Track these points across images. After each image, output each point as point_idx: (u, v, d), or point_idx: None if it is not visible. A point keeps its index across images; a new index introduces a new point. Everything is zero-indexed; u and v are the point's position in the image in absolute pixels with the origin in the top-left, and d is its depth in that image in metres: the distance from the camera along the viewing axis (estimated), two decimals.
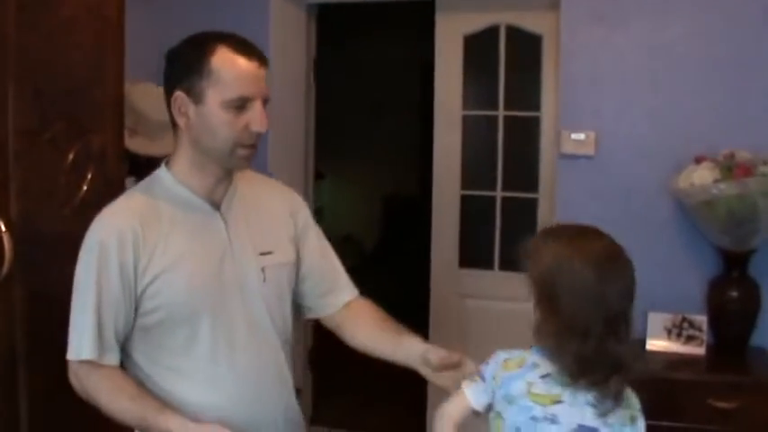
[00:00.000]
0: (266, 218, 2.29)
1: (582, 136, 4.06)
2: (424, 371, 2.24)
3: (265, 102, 2.13)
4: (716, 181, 3.60)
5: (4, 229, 2.53)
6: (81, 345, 2.09)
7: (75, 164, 2.86)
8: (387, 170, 7.62)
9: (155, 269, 2.09)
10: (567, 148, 4.10)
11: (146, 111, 3.71)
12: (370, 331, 2.36)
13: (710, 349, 3.84)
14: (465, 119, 4.76)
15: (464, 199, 4.80)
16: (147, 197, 2.18)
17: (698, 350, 3.82)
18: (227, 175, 2.22)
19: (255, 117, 2.10)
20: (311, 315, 2.45)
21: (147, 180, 2.25)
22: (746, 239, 3.69)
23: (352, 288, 2.45)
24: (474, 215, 4.82)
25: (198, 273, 2.13)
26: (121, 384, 2.09)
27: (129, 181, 3.60)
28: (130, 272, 2.08)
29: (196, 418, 2.01)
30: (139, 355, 2.16)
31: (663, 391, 3.59)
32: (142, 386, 2.12)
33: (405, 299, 5.04)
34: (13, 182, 2.59)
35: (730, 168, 3.60)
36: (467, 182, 4.79)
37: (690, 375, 3.65)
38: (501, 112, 4.65)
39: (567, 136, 4.09)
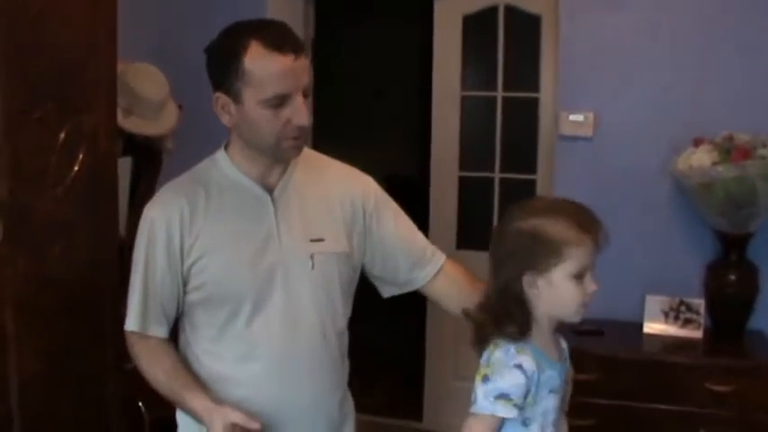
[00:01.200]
0: (322, 204, 2.26)
1: (580, 117, 4.03)
2: None
3: (306, 90, 2.10)
4: (714, 163, 3.57)
5: None
6: (129, 316, 2.19)
7: (67, 144, 2.83)
8: (386, 152, 7.58)
9: (200, 248, 2.14)
10: (566, 130, 4.08)
11: (141, 91, 3.68)
12: (464, 303, 2.25)
13: (708, 333, 3.83)
14: (464, 100, 4.73)
15: (462, 180, 4.78)
16: (201, 177, 2.22)
17: (695, 333, 3.81)
18: (280, 162, 2.22)
19: (296, 111, 2.08)
20: (404, 290, 2.41)
21: (206, 160, 2.27)
22: (745, 222, 3.67)
23: (439, 255, 2.40)
24: (472, 196, 4.80)
25: (238, 256, 2.15)
26: (160, 357, 2.18)
27: (124, 161, 3.59)
28: (177, 249, 2.15)
29: (220, 400, 2.07)
30: (187, 328, 2.23)
31: (660, 374, 3.60)
32: (182, 361, 2.19)
33: None
34: (2, 161, 2.57)
35: (729, 151, 3.57)
36: (465, 163, 4.77)
37: (687, 359, 3.65)
38: (500, 93, 4.63)
39: (565, 117, 4.07)
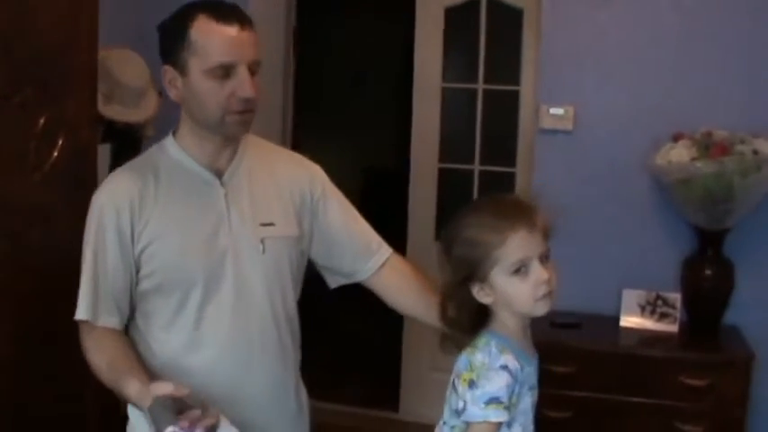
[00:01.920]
0: (271, 189, 2.26)
1: (561, 111, 4.04)
2: None
3: (253, 65, 2.10)
4: (693, 159, 3.59)
5: None
6: (80, 305, 2.15)
7: (46, 130, 2.82)
8: (366, 143, 7.59)
9: (150, 234, 2.12)
10: (546, 123, 4.09)
11: (122, 77, 3.66)
12: (414, 303, 2.34)
13: (684, 327, 3.85)
14: (444, 91, 4.74)
15: (442, 172, 4.79)
16: (149, 164, 2.20)
17: (671, 328, 3.84)
18: (229, 144, 2.21)
19: (240, 83, 2.07)
20: (349, 281, 2.42)
21: (154, 147, 2.26)
22: (722, 218, 3.70)
23: (386, 248, 2.41)
24: (452, 189, 4.81)
25: (190, 240, 2.14)
26: (106, 347, 2.12)
27: (103, 148, 3.57)
28: (127, 236, 2.12)
29: (152, 380, 1.98)
30: (139, 316, 2.19)
31: (635, 367, 3.63)
32: (128, 351, 2.13)
33: None
34: None
35: (707, 147, 3.60)
36: (445, 155, 4.78)
37: (662, 352, 3.68)
38: (480, 86, 4.64)
39: (545, 110, 4.07)
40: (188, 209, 2.16)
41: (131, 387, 1.97)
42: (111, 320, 2.15)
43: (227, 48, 2.05)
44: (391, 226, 5.13)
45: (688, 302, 3.86)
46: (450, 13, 4.66)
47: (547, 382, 3.57)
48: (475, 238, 1.90)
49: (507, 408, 1.86)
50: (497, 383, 1.86)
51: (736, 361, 3.59)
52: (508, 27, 4.54)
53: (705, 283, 3.82)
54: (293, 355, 2.33)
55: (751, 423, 3.62)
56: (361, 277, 2.39)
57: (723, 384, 3.52)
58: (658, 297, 3.88)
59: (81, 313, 2.14)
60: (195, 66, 2.07)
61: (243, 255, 2.18)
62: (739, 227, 3.75)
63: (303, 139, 6.12)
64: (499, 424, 1.87)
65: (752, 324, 3.85)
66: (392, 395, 5.00)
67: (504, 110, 4.59)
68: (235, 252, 2.17)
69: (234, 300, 2.16)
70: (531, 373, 1.96)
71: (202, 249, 2.14)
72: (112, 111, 3.62)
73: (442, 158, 4.78)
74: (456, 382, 1.93)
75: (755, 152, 3.56)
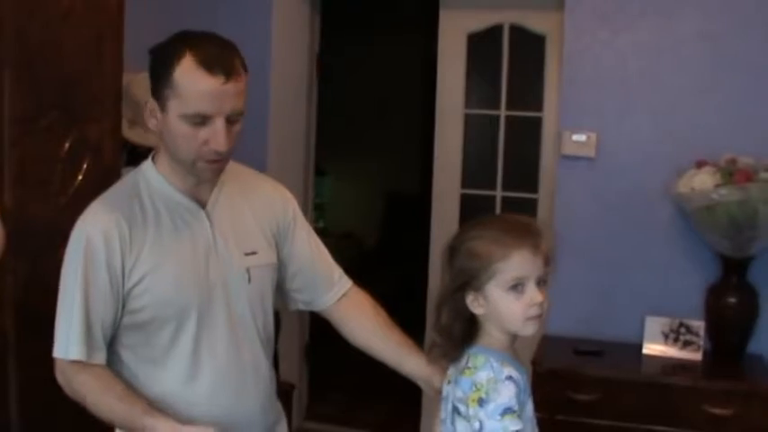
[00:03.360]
0: (250, 217, 2.26)
1: (583, 137, 4.04)
2: (427, 390, 2.26)
3: (233, 116, 2.03)
4: (717, 186, 3.58)
5: None
6: (69, 344, 2.05)
7: (71, 153, 2.85)
8: (389, 168, 7.60)
9: (142, 268, 2.07)
10: (568, 150, 4.08)
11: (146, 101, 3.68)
12: (370, 335, 2.35)
13: (707, 355, 3.82)
14: (467, 117, 4.75)
15: (464, 198, 4.79)
16: (132, 193, 2.14)
17: (695, 356, 3.81)
18: (199, 181, 2.17)
19: (214, 135, 2.01)
20: (308, 308, 2.44)
21: (132, 174, 2.20)
22: (746, 246, 3.67)
23: (346, 280, 2.42)
24: (474, 214, 4.76)
25: (184, 272, 2.10)
26: (110, 383, 2.06)
27: (126, 170, 3.59)
28: (118, 271, 2.05)
29: (183, 420, 1.99)
30: (124, 350, 2.13)
31: (658, 395, 3.59)
32: (129, 385, 2.08)
33: (404, 297, 5.03)
34: (7, 169, 2.58)
35: (731, 173, 3.58)
36: (467, 181, 4.78)
37: (686, 381, 3.64)
38: (503, 112, 4.64)
39: (567, 137, 4.07)
40: (178, 239, 2.12)
41: (164, 424, 1.95)
42: (100, 357, 2.08)
43: (207, 99, 1.99)
44: (414, 251, 5.15)
45: (712, 330, 3.84)
46: (473, 39, 4.68)
47: (569, 410, 3.62)
48: (479, 248, 1.94)
49: (520, 416, 1.91)
50: (507, 394, 1.90)
51: (760, 390, 3.55)
52: (531, 53, 4.55)
53: (729, 310, 3.80)
54: (273, 372, 2.34)
55: None
56: (318, 307, 2.41)
57: (747, 414, 3.48)
58: (682, 325, 3.85)
59: (73, 353, 2.05)
60: (174, 107, 2.00)
61: (231, 284, 2.17)
62: (763, 254, 3.73)
63: (326, 164, 6.15)
64: None
65: None
66: (413, 420, 4.98)
67: (527, 136, 4.59)
68: (224, 283, 2.16)
69: (227, 328, 2.16)
70: (526, 381, 2.00)
71: (196, 281, 2.11)
72: (136, 135, 3.64)
73: (464, 184, 4.78)
74: (461, 408, 1.96)
75: None
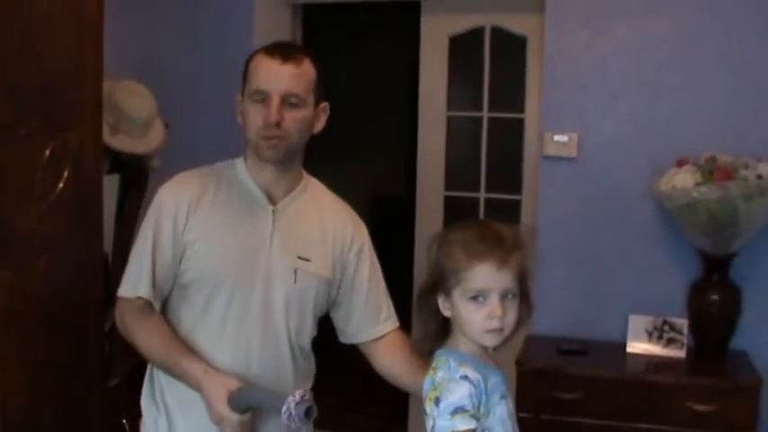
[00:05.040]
0: (317, 231, 2.41)
1: (565, 138, 4.06)
2: None
3: (287, 96, 2.28)
4: (697, 184, 3.59)
5: None
6: (138, 283, 2.32)
7: (52, 160, 2.84)
8: (374, 171, 7.59)
9: (195, 235, 2.31)
10: (550, 150, 4.10)
11: (128, 109, 3.69)
12: (398, 372, 2.44)
13: (691, 352, 3.84)
14: (450, 120, 4.76)
15: (448, 200, 4.80)
16: (214, 175, 2.40)
17: (678, 353, 3.83)
18: (282, 173, 2.39)
19: (269, 110, 2.26)
20: (350, 341, 2.53)
21: (225, 162, 2.45)
22: (728, 243, 3.69)
23: (390, 324, 2.51)
24: (458, 216, 4.80)
25: (229, 253, 2.31)
26: (157, 326, 2.30)
27: (110, 178, 3.59)
28: (180, 230, 2.31)
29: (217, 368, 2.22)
30: (167, 312, 2.37)
31: (642, 393, 3.61)
32: (175, 331, 2.32)
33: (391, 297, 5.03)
34: None
35: (711, 172, 3.60)
36: (451, 183, 4.79)
37: (669, 378, 3.65)
38: (485, 114, 4.65)
39: (549, 138, 4.09)
40: (236, 223, 2.34)
41: (196, 365, 2.21)
42: (158, 303, 2.34)
43: (264, 77, 2.28)
44: (398, 253, 5.16)
45: (695, 328, 3.86)
46: (455, 42, 4.69)
47: (554, 409, 3.63)
48: (450, 252, 1.97)
49: (475, 416, 1.91)
50: (460, 393, 1.91)
51: (744, 386, 3.57)
52: (512, 55, 4.56)
53: (712, 307, 3.81)
54: (302, 384, 2.39)
55: None
56: (357, 340, 2.51)
57: (731, 410, 3.50)
58: (665, 323, 3.87)
59: (140, 291, 2.31)
60: (247, 91, 2.31)
61: (275, 278, 2.33)
62: (745, 251, 3.75)
63: (309, 166, 6.13)
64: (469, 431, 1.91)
65: (760, 349, 3.84)
66: (401, 422, 4.99)
67: (509, 137, 4.60)
68: (267, 273, 2.33)
69: (258, 317, 2.32)
70: (497, 382, 2.00)
71: (236, 263, 2.31)
72: (119, 142, 3.64)
73: (447, 186, 4.79)
74: (426, 406, 1.97)
75: (759, 177, 3.56)
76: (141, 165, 3.81)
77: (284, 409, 2.03)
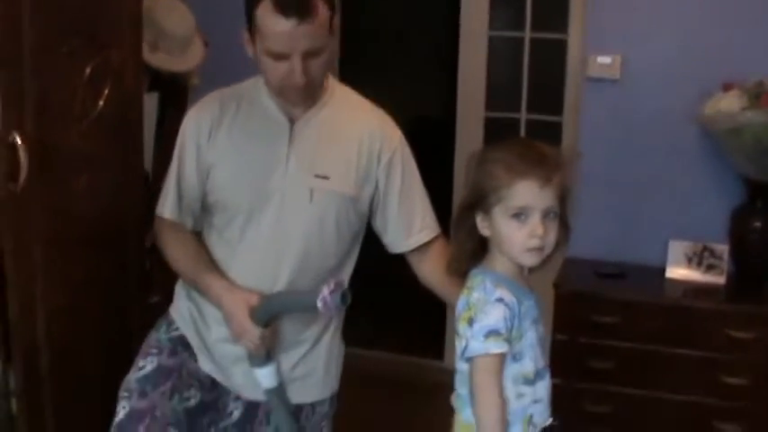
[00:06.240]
0: (339, 145, 2.37)
1: (608, 59, 3.99)
2: None
3: (309, 52, 2.20)
4: (743, 109, 3.54)
5: (20, 142, 2.52)
6: (164, 205, 2.46)
7: (93, 79, 2.83)
8: (413, 93, 7.52)
9: (214, 156, 2.37)
10: (593, 72, 4.04)
11: (167, 26, 3.66)
12: (433, 282, 2.43)
13: (730, 279, 3.82)
14: (491, 40, 4.69)
15: (488, 121, 4.76)
16: (236, 95, 2.43)
17: (718, 279, 3.81)
18: (306, 97, 2.34)
19: (291, 72, 2.21)
20: (391, 251, 2.52)
21: (249, 81, 2.45)
22: None
23: (428, 233, 2.47)
24: (498, 137, 4.75)
25: (243, 172, 2.35)
26: (186, 243, 2.44)
27: (150, 96, 3.59)
28: (203, 152, 2.38)
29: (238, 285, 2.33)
30: (203, 229, 2.48)
31: (681, 319, 3.61)
32: (205, 250, 2.44)
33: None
34: (29, 96, 2.57)
35: (758, 96, 3.53)
36: (491, 104, 4.75)
37: (708, 304, 3.66)
38: (527, 35, 4.58)
39: (593, 60, 4.02)
40: (251, 144, 2.36)
41: (218, 281, 2.33)
42: (189, 221, 2.46)
43: (281, 40, 2.17)
44: (439, 174, 5.16)
45: (735, 254, 3.83)
46: None
47: (591, 332, 3.65)
48: (491, 170, 1.96)
49: (507, 340, 1.91)
50: (495, 316, 1.92)
51: None
52: None
53: (753, 234, 3.78)
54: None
55: None
56: (395, 250, 2.50)
57: None
58: (705, 248, 3.85)
59: (166, 211, 2.45)
60: (259, 42, 2.23)
61: (290, 200, 2.32)
62: None
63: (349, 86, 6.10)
64: (501, 355, 1.92)
65: None
66: (437, 343, 5.03)
67: (552, 59, 4.53)
68: (282, 195, 2.32)
69: (269, 237, 2.34)
70: (531, 306, 2.01)
71: (251, 184, 2.33)
72: (158, 60, 3.62)
73: (488, 107, 4.74)
74: (458, 327, 1.97)
75: None
76: (181, 83, 3.80)
77: (319, 299, 2.10)
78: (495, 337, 1.90)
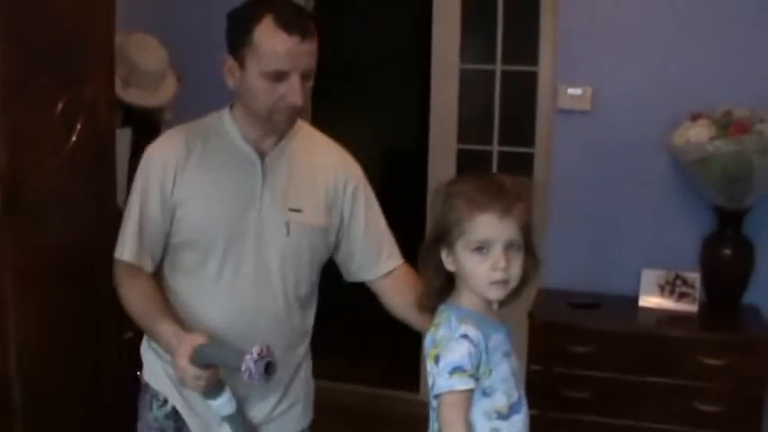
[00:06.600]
0: (308, 178, 2.38)
1: (579, 91, 4.03)
2: None
3: (307, 74, 2.23)
4: (712, 138, 3.57)
5: None
6: (123, 248, 2.33)
7: (65, 114, 2.84)
8: (386, 124, 7.57)
9: (184, 194, 2.29)
10: (564, 103, 4.07)
11: (140, 62, 3.68)
12: (404, 309, 2.40)
13: (703, 306, 3.85)
14: (462, 73, 4.72)
15: (460, 153, 4.78)
16: (202, 131, 2.36)
17: (690, 307, 3.83)
18: (273, 132, 2.33)
19: (291, 90, 2.20)
20: (356, 279, 2.52)
21: (212, 115, 2.41)
22: (741, 197, 3.68)
23: (395, 260, 2.50)
24: (470, 169, 4.79)
25: (218, 210, 2.29)
26: (143, 287, 2.30)
27: (122, 132, 3.59)
28: (168, 191, 2.29)
29: (189, 329, 2.21)
30: (165, 269, 2.38)
31: (654, 347, 3.63)
32: (161, 293, 2.32)
33: (403, 252, 5.03)
34: (1, 131, 2.57)
35: (726, 126, 3.57)
36: (463, 136, 4.77)
37: (681, 332, 3.68)
38: (498, 67, 4.62)
39: (563, 91, 4.06)
40: (224, 180, 2.31)
41: (167, 326, 2.19)
42: (148, 264, 2.33)
43: (285, 57, 2.18)
44: (411, 207, 5.16)
45: (707, 282, 3.85)
46: None
47: (565, 362, 3.65)
48: (453, 204, 1.95)
49: (473, 376, 1.89)
50: (459, 352, 1.89)
51: (755, 341, 3.59)
52: (526, 7, 4.51)
53: (724, 262, 3.81)
54: (301, 336, 2.48)
55: None
56: (363, 278, 2.50)
57: (742, 364, 3.52)
58: (678, 277, 3.87)
59: (125, 254, 2.32)
60: (253, 64, 2.19)
61: (267, 234, 2.31)
62: (759, 206, 3.73)
63: (322, 121, 6.12)
64: (467, 391, 1.90)
65: None
66: (412, 375, 5.01)
67: (523, 90, 4.57)
68: (259, 230, 2.30)
69: (252, 273, 2.31)
70: (501, 340, 1.98)
71: (227, 221, 2.29)
72: (131, 95, 3.64)
73: (460, 139, 4.77)
74: (427, 363, 1.97)
75: None
76: (153, 118, 3.81)
77: (243, 367, 2.01)
78: (459, 374, 1.88)
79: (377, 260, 2.47)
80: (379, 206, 2.52)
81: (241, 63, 2.22)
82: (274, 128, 2.30)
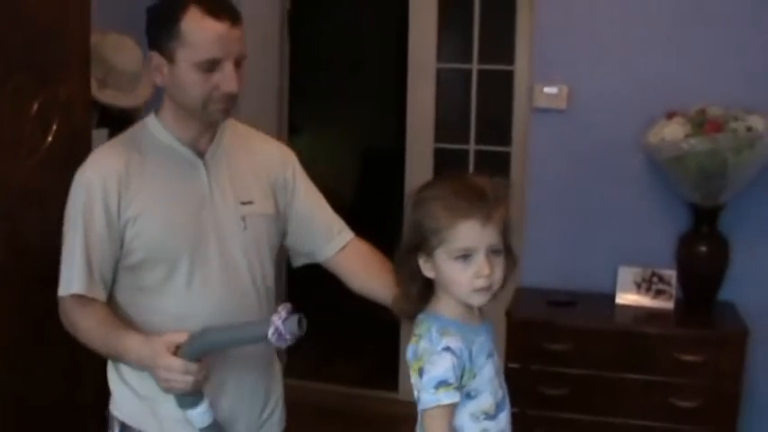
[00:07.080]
0: (249, 169, 2.35)
1: (554, 90, 4.04)
2: None
3: (239, 60, 2.16)
4: (686, 136, 3.59)
5: None
6: (71, 280, 2.17)
7: (41, 114, 2.83)
8: (363, 124, 7.58)
9: (135, 210, 2.17)
10: (540, 102, 4.09)
11: (116, 62, 3.66)
12: (366, 282, 2.41)
13: (679, 304, 3.87)
14: (439, 72, 4.74)
15: (437, 152, 4.80)
16: (134, 142, 2.25)
17: (667, 304, 3.86)
18: (210, 127, 2.28)
19: (225, 78, 2.14)
20: (310, 261, 2.50)
21: (136, 125, 2.32)
22: (716, 195, 3.71)
23: (347, 233, 2.49)
24: (447, 168, 4.81)
25: (175, 216, 2.20)
26: (96, 312, 2.17)
27: (99, 132, 3.57)
28: (114, 213, 2.16)
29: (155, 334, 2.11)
30: (120, 293, 2.25)
31: (631, 344, 3.65)
32: (119, 317, 2.20)
33: (383, 251, 5.03)
34: None
35: (701, 124, 3.60)
36: (440, 135, 4.79)
37: (658, 329, 3.69)
38: (475, 66, 4.64)
39: (539, 89, 4.07)
40: (172, 187, 2.23)
41: (131, 340, 2.09)
42: (100, 294, 2.20)
43: (216, 44, 2.11)
44: (388, 206, 5.17)
45: (683, 279, 3.88)
46: None
47: (543, 360, 3.67)
48: (430, 210, 1.89)
49: (458, 387, 1.87)
50: (443, 366, 1.86)
51: (730, 337, 3.61)
52: (502, 6, 4.53)
53: (700, 259, 3.84)
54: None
55: (746, 398, 3.65)
56: (320, 258, 2.48)
57: (718, 360, 3.54)
58: (654, 274, 3.89)
59: (73, 287, 2.16)
60: (183, 56, 2.12)
61: (226, 232, 2.27)
62: (733, 203, 3.76)
63: (300, 122, 6.12)
64: (452, 405, 1.88)
65: (746, 300, 3.87)
66: (391, 375, 5.02)
67: (499, 90, 4.60)
68: (218, 229, 2.26)
69: (220, 275, 2.25)
70: (483, 342, 1.95)
71: (186, 227, 2.21)
72: (107, 96, 3.62)
73: (437, 138, 4.79)
74: (411, 374, 1.95)
75: (749, 129, 3.56)
76: (130, 118, 3.79)
77: (271, 331, 1.96)
78: (445, 388, 1.85)
79: (328, 238, 2.45)
80: (315, 187, 2.50)
81: (169, 57, 2.14)
82: (210, 119, 2.23)
